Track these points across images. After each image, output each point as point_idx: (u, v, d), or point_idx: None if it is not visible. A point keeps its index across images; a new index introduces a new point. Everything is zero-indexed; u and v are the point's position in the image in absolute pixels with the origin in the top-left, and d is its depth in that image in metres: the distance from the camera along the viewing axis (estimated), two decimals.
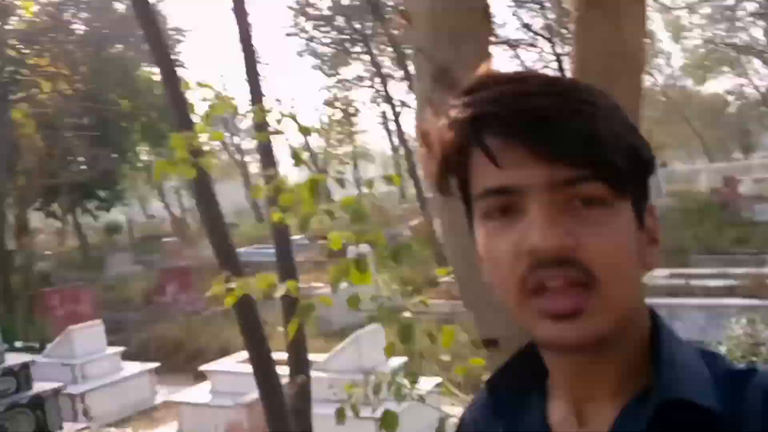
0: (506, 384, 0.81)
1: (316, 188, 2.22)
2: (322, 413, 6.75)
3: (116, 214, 31.84)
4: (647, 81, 31.74)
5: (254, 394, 5.39)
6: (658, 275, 10.17)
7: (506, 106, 0.65)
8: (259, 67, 4.09)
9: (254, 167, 32.58)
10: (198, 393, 8.07)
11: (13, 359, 7.78)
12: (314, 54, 26.91)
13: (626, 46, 1.53)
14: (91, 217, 24.70)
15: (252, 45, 4.30)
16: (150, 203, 46.70)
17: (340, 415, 2.34)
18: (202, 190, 3.94)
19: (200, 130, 2.60)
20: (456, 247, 1.53)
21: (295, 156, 2.59)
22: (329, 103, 28.07)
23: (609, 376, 0.71)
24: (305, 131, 2.62)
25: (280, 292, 2.33)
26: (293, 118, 2.56)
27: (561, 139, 0.63)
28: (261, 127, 2.73)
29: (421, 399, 2.38)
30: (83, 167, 20.67)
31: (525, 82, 0.67)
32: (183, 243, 21.75)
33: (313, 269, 13.98)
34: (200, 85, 2.60)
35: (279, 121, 2.57)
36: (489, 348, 1.51)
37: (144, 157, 27.51)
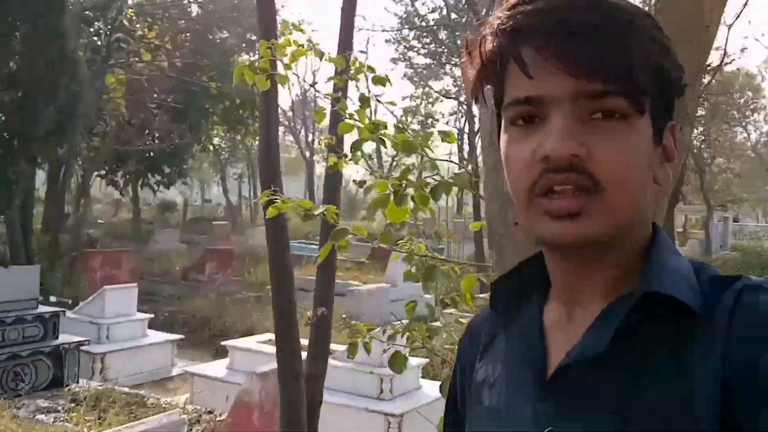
0: (510, 287, 0.86)
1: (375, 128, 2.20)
2: (333, 401, 6.57)
3: (174, 194, 32.44)
4: (740, 134, 30.89)
5: (269, 368, 5.17)
6: None
7: (544, 19, 0.68)
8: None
9: (320, 167, 32.70)
10: (215, 368, 7.95)
11: (46, 308, 7.81)
12: (409, 63, 26.91)
13: (702, 21, 1.58)
14: (151, 191, 25.08)
15: (351, 41, 4.20)
16: (210, 188, 47.65)
17: (351, 350, 2.32)
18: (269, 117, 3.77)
19: (287, 44, 2.53)
20: (494, 185, 1.57)
21: (363, 100, 2.47)
22: (409, 112, 27.94)
23: (600, 282, 0.74)
24: (380, 81, 2.52)
25: (318, 210, 2.25)
26: (371, 69, 2.55)
27: (590, 55, 0.66)
28: (340, 73, 2.75)
29: (433, 350, 2.16)
30: (156, 141, 21.11)
31: None
32: (232, 228, 21.85)
33: (354, 268, 13.84)
34: (295, 27, 2.67)
35: (357, 71, 2.52)
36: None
37: (216, 141, 27.95)
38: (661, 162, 0.74)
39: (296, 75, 2.45)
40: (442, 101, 28.40)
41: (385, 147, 2.08)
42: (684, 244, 24.59)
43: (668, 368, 0.67)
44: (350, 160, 2.10)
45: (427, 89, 27.60)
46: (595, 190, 0.67)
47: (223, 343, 8.19)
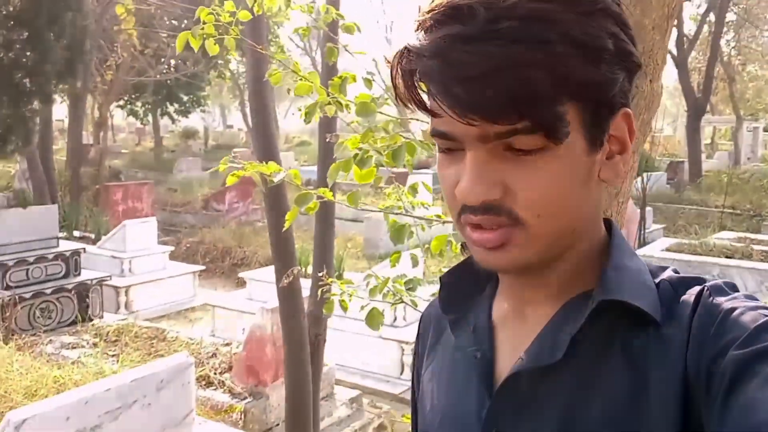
0: (459, 281, 0.83)
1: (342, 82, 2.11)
2: (348, 329, 6.73)
3: (196, 121, 32.41)
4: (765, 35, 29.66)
5: None
6: (723, 237, 10.40)
7: (435, 61, 0.62)
8: None
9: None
10: (235, 298, 8.14)
11: (67, 246, 8.01)
12: None
13: None
14: (170, 120, 25.10)
15: None
16: (231, 114, 47.44)
17: (327, 308, 2.37)
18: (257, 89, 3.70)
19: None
20: None
21: (329, 52, 2.39)
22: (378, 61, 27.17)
23: (552, 284, 0.73)
24: (349, 29, 2.40)
25: (278, 178, 2.20)
26: (340, 15, 2.52)
27: (486, 99, 0.60)
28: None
29: (414, 304, 2.15)
30: (172, 70, 20.87)
31: (471, 19, 0.61)
32: (253, 154, 21.83)
33: (371, 193, 13.87)
34: None
35: (325, 18, 2.48)
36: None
37: (233, 66, 27.52)
38: (610, 158, 0.70)
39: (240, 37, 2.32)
40: None
41: (342, 111, 2.01)
42: (712, 156, 24.10)
43: (622, 374, 0.66)
44: (303, 119, 2.04)
45: None
46: (517, 224, 0.66)
47: (241, 274, 8.35)
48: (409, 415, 2.45)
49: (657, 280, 0.71)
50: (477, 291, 0.83)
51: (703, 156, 20.86)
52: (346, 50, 2.34)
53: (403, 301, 2.33)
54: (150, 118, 25.58)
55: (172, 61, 20.75)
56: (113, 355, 5.88)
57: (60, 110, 20.42)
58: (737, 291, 0.68)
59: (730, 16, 22.24)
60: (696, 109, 18.71)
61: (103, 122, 18.77)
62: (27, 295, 7.09)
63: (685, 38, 19.36)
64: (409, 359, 6.76)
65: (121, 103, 23.25)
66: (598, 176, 0.69)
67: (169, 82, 21.86)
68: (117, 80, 17.25)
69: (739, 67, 24.64)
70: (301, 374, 3.95)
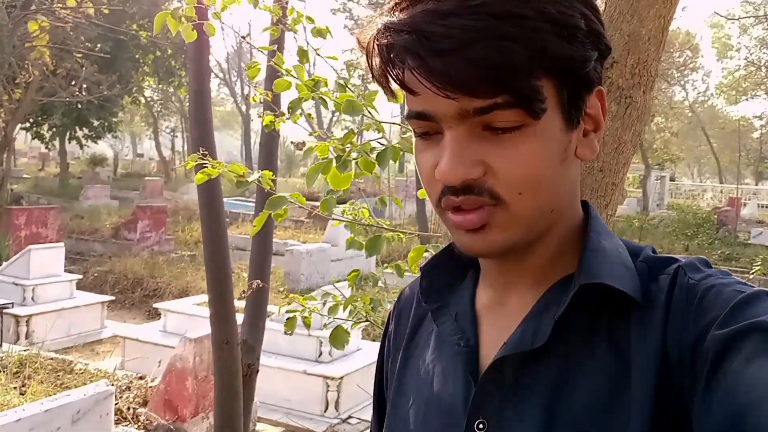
0: (439, 270, 0.83)
1: (315, 85, 2.00)
2: (271, 364, 6.46)
3: (104, 148, 31.30)
4: (677, 94, 31.57)
5: (204, 332, 4.99)
6: None
7: (412, 35, 0.62)
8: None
9: (257, 121, 32.61)
10: (147, 330, 7.70)
11: None
12: (349, 14, 26.30)
13: None
14: (79, 145, 24.05)
15: None
16: (142, 142, 46.19)
17: (289, 325, 2.18)
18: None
19: None
20: None
21: (301, 53, 2.27)
22: (349, 65, 27.46)
23: (533, 269, 0.73)
24: (320, 33, 2.34)
25: (252, 177, 2.06)
26: (310, 19, 2.39)
27: (464, 72, 0.60)
28: (276, 23, 2.53)
29: (375, 323, 2.02)
30: (84, 93, 20.09)
31: None
32: (165, 183, 21.17)
33: (292, 227, 13.66)
34: None
35: (295, 21, 2.36)
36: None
37: (148, 93, 26.86)
38: (585, 135, 0.71)
39: (224, 24, 2.21)
40: None
41: (326, 108, 1.89)
42: (622, 203, 25.26)
43: (605, 358, 0.66)
44: (288, 119, 1.90)
45: None
46: (498, 204, 0.65)
47: (155, 305, 7.93)
48: None
49: (635, 261, 0.71)
50: (458, 279, 0.82)
51: None
52: (318, 54, 2.22)
53: (367, 320, 2.18)
54: (57, 142, 24.46)
55: (85, 84, 19.97)
56: (14, 388, 5.37)
57: None
58: (710, 267, 0.68)
59: None
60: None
61: (8, 143, 17.74)
62: None
63: None
64: (333, 396, 6.52)
65: (27, 125, 22.11)
66: (575, 154, 0.69)
67: (80, 105, 21.00)
68: (25, 100, 16.38)
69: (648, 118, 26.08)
70: (234, 407, 3.68)
